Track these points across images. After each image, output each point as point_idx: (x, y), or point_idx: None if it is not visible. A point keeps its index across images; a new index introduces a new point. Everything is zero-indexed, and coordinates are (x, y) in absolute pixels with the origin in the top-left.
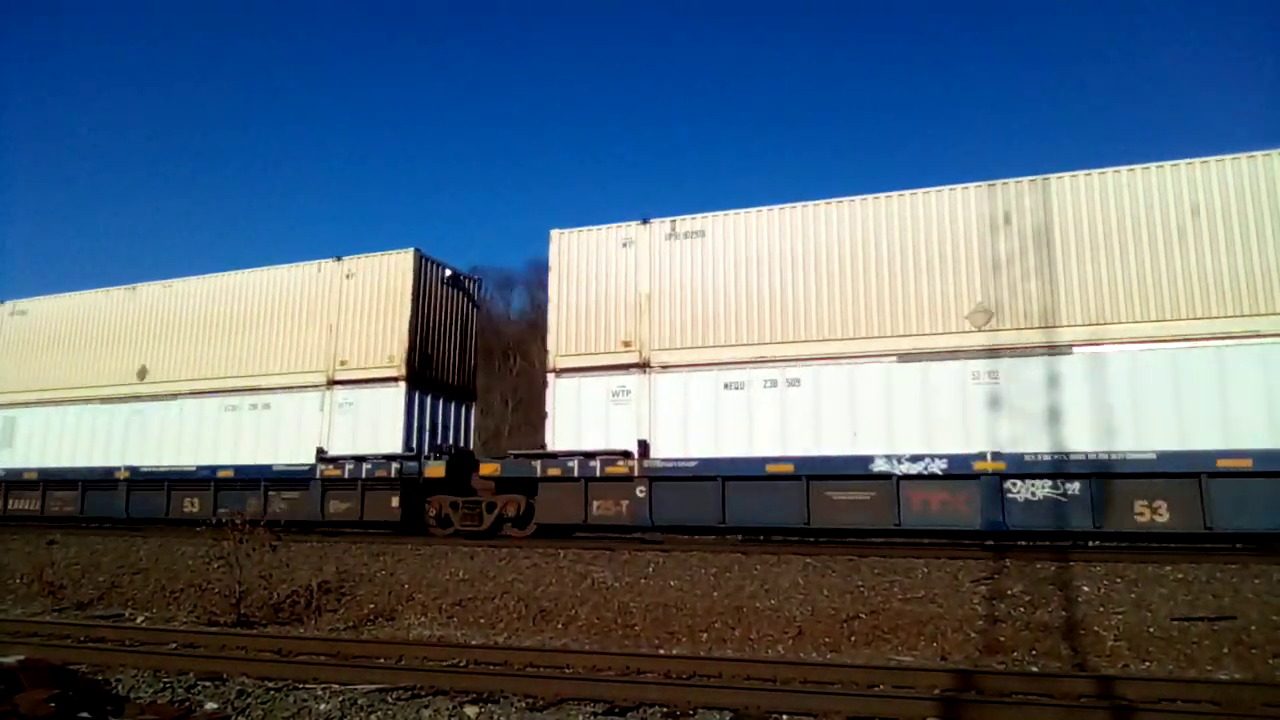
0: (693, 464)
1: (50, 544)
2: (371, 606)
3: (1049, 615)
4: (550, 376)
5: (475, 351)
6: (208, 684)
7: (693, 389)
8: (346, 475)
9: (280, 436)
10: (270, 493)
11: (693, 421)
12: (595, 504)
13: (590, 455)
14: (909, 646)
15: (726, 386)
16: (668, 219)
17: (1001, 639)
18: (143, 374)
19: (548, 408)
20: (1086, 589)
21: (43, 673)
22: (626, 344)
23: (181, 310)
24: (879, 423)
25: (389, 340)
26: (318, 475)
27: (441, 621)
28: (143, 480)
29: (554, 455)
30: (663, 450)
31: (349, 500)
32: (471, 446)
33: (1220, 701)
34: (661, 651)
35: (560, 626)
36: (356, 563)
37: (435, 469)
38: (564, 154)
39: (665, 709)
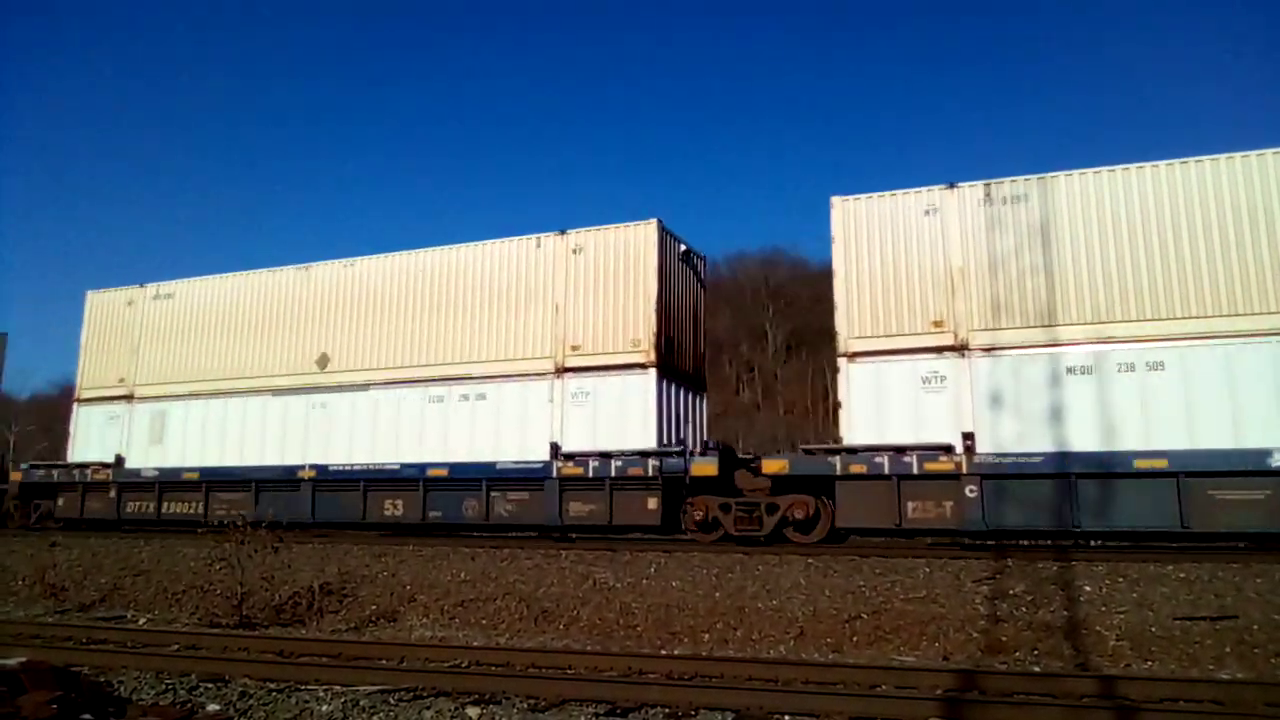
0: (1037, 459)
1: (52, 546)
2: (374, 608)
3: (1051, 615)
4: (842, 362)
5: (704, 336)
6: (210, 685)
7: (1024, 374)
8: (591, 474)
9: (501, 431)
10: (493, 493)
11: (1027, 410)
12: (910, 505)
13: (902, 450)
14: (911, 647)
15: (1069, 371)
16: (979, 183)
17: (1003, 639)
18: (324, 362)
19: (840, 396)
20: (1088, 588)
21: (45, 675)
22: (937, 324)
23: (368, 291)
24: (1265, 410)
25: (632, 322)
26: (554, 474)
27: (443, 622)
28: (332, 480)
29: (854, 450)
30: (988, 444)
31: (594, 502)
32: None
33: (1223, 701)
34: (664, 652)
35: (562, 627)
36: (358, 564)
37: (705, 466)
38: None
39: (667, 709)
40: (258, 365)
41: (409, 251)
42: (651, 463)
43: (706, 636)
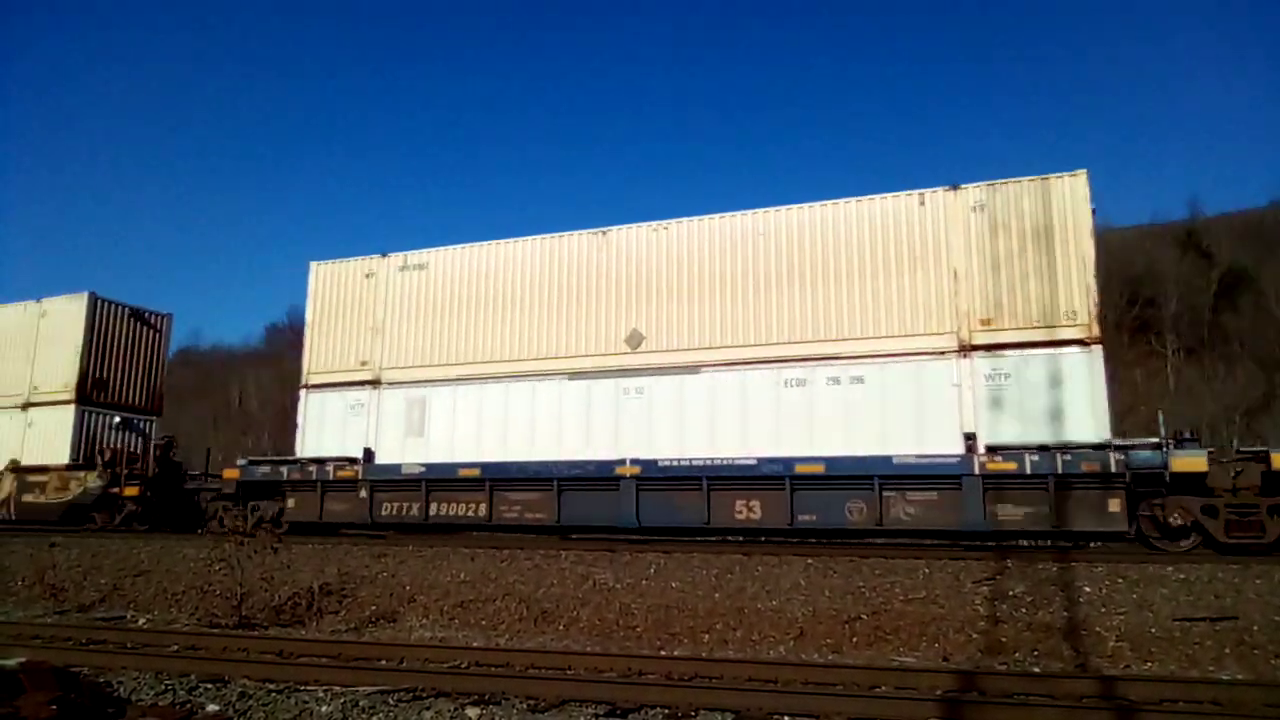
0: None
1: (52, 546)
2: (373, 608)
3: (1051, 616)
4: None
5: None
6: (209, 686)
7: None
8: (1028, 470)
9: (888, 419)
10: (888, 493)
11: None
12: None
13: None
14: (911, 647)
15: None
16: None
17: (1003, 640)
18: (636, 341)
19: None
20: (1088, 589)
21: (44, 675)
22: None
23: (691, 258)
24: None
25: (1062, 291)
26: (974, 470)
27: (443, 623)
28: (662, 478)
29: None
30: None
31: (1031, 503)
32: None
33: (1222, 702)
34: (663, 653)
35: (562, 628)
36: (358, 564)
37: (1191, 460)
38: (542, 153)
39: (667, 710)
40: (546, 345)
41: (741, 212)
42: (1114, 456)
43: (706, 637)
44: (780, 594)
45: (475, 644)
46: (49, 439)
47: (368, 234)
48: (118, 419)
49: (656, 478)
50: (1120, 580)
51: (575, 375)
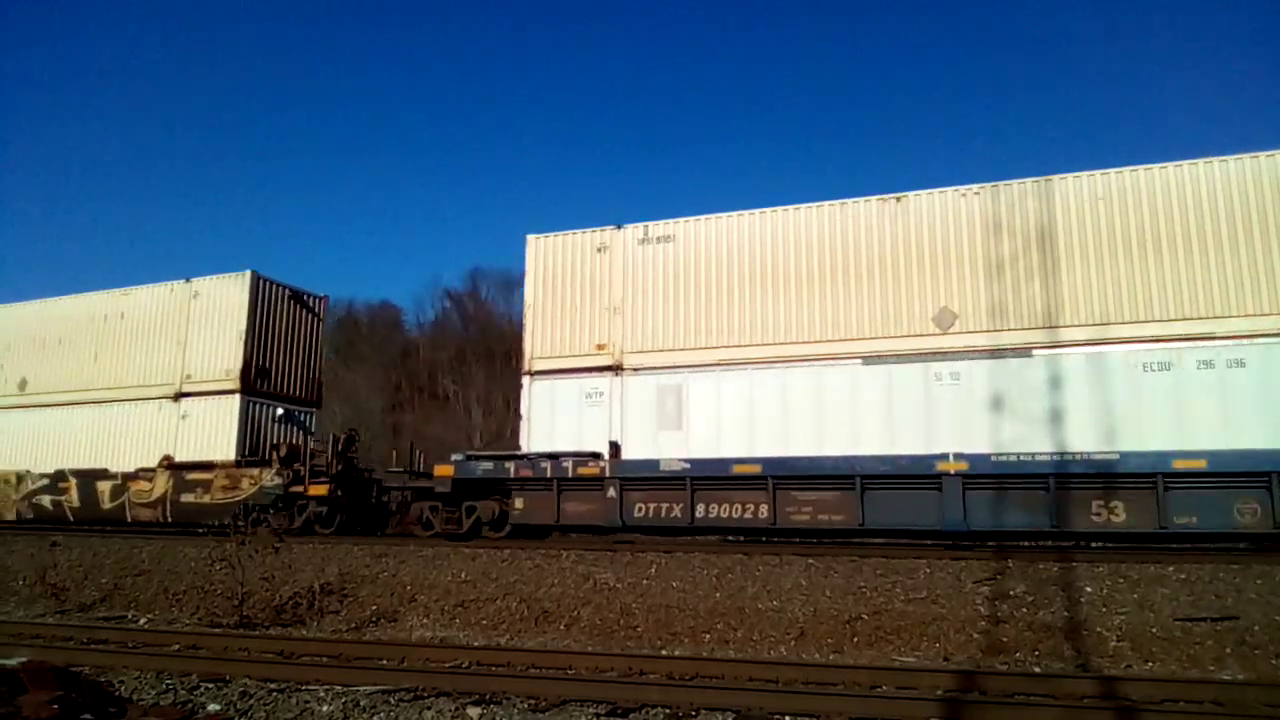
0: None
1: (53, 546)
2: (374, 608)
3: (1052, 616)
4: None
5: None
6: (210, 686)
7: None
8: None
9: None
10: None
11: None
12: None
13: None
14: (911, 647)
15: None
16: None
17: (1004, 639)
18: (945, 320)
19: None
20: (1089, 589)
21: (45, 675)
22: None
23: (1007, 227)
24: None
25: None
26: None
27: (444, 623)
28: (993, 475)
29: None
30: None
31: None
32: None
33: (1223, 702)
34: (664, 653)
35: (563, 628)
36: (359, 564)
37: None
38: (543, 153)
39: (668, 710)
40: (832, 326)
41: (1069, 175)
42: None
43: (707, 637)
44: (781, 594)
45: (476, 643)
46: (208, 432)
47: (369, 232)
48: (280, 410)
49: (988, 475)
50: (1121, 580)
51: (870, 359)
